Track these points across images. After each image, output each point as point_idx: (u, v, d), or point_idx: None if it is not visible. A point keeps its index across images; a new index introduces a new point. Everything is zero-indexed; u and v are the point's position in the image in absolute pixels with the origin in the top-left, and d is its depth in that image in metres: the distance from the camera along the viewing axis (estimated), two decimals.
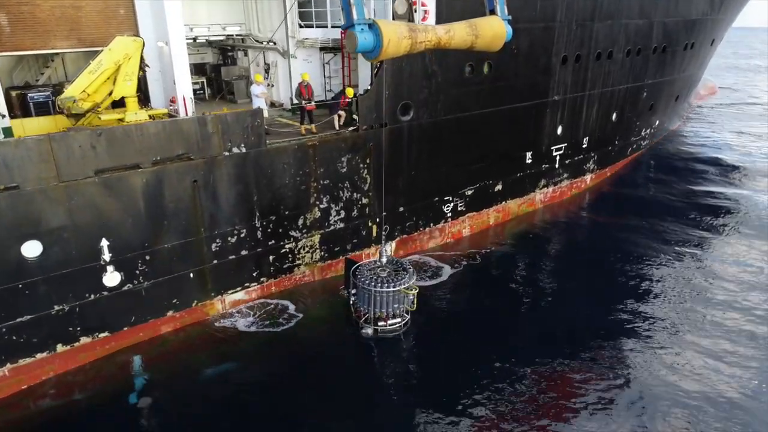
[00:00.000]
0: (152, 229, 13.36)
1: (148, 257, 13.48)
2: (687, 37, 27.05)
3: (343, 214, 16.80)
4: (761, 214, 23.01)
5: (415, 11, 16.20)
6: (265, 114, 17.52)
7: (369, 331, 14.45)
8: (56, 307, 12.52)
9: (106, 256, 12.84)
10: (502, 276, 18.57)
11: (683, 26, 26.18)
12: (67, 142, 11.75)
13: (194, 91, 22.32)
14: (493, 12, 11.90)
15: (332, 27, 19.08)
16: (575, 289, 17.61)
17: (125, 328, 13.73)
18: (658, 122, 29.68)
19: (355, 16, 9.53)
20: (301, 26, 19.20)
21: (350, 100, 16.18)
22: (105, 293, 13.12)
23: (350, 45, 9.75)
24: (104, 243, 12.73)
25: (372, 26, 9.69)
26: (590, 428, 11.72)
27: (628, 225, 22.44)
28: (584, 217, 23.86)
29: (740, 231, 21.60)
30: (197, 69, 24.31)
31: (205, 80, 23.24)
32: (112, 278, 13.09)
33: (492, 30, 11.35)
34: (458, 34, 10.84)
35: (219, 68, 23.48)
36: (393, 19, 16.06)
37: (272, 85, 20.90)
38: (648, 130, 28.98)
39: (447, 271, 18.18)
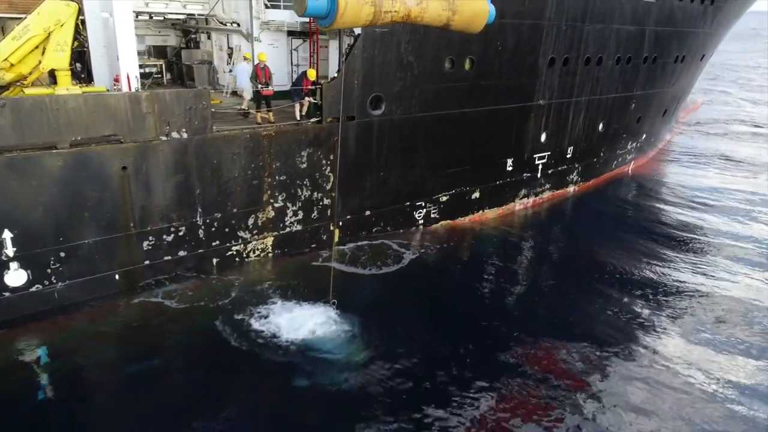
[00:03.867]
0: (69, 222, 11.41)
1: (62, 254, 11.51)
2: (678, 49, 25.99)
3: (301, 215, 15.02)
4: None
5: None
6: (247, 97, 15.78)
7: None
8: None
9: (9, 250, 10.87)
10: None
11: (675, 37, 25.11)
12: None
13: (151, 74, 20.49)
14: None
15: None
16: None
17: None
18: (645, 136, 28.54)
19: None
20: (267, 6, 17.44)
21: (313, 87, 14.44)
22: (6, 294, 11.12)
23: (298, 7, 8.05)
24: (6, 235, 10.77)
25: None
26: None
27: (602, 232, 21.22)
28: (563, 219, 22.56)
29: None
30: (158, 52, 22.40)
31: (164, 63, 21.34)
32: (16, 277, 11.11)
33: (472, 7, 9.76)
34: (432, 6, 9.22)
35: (181, 51, 21.64)
36: None
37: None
38: (634, 144, 27.80)
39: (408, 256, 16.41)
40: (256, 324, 12.39)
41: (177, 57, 21.81)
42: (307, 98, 14.35)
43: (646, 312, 14.79)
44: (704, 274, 17.39)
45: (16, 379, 10.68)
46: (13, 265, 11.01)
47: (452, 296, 15.20)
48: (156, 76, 20.85)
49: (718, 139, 38.48)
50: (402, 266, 15.84)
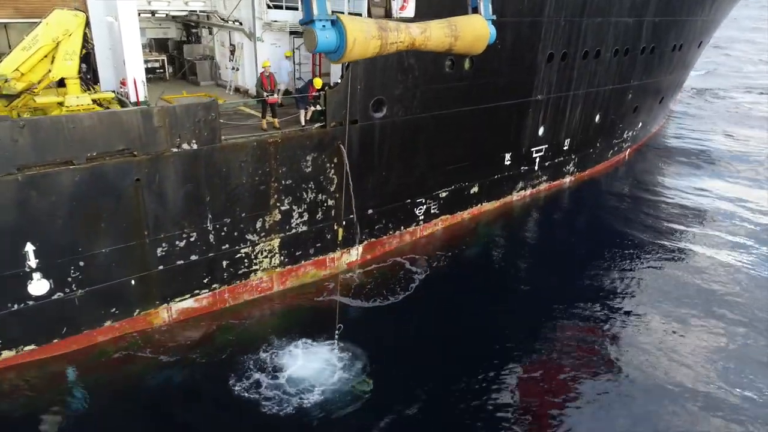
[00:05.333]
0: (87, 232, 11.92)
1: (82, 263, 12.06)
2: (676, 38, 26.17)
3: (306, 216, 15.54)
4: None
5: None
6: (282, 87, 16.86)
7: None
8: None
9: (32, 262, 11.40)
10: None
11: (673, 26, 25.26)
12: None
13: (154, 69, 20.71)
14: (476, 10, 10.65)
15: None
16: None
17: (55, 341, 12.36)
18: (641, 124, 28.92)
19: (315, 11, 8.17)
20: (269, 6, 17.57)
21: (318, 93, 14.77)
22: (31, 303, 11.71)
23: (309, 44, 8.42)
24: (29, 247, 11.28)
25: (335, 23, 8.35)
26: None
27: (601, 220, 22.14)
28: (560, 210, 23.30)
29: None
30: (158, 45, 22.50)
31: (166, 58, 21.48)
32: (39, 286, 11.67)
33: (474, 31, 10.11)
34: (435, 34, 9.58)
35: (182, 45, 21.72)
36: (369, 7, 14.66)
37: (237, 69, 19.27)
38: (630, 133, 28.21)
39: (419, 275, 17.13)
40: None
41: (178, 51, 21.90)
42: (311, 107, 14.69)
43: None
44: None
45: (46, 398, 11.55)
46: (36, 275, 11.56)
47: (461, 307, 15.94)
48: (159, 71, 21.06)
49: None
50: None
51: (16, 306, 11.54)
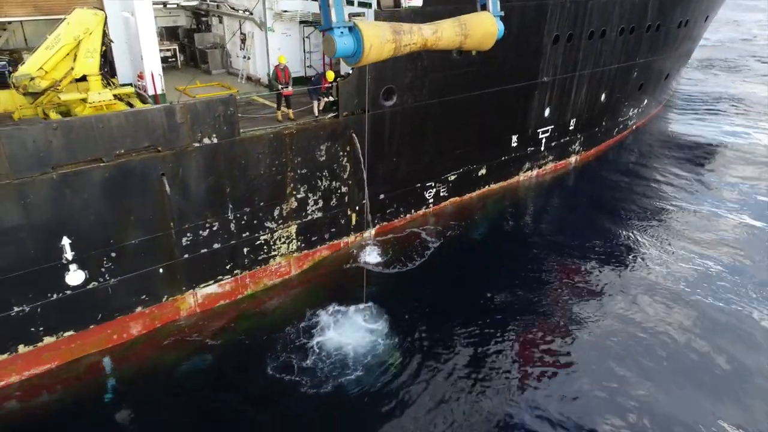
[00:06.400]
0: (117, 226, 12.62)
1: (113, 254, 12.80)
2: (682, 14, 26.16)
3: (321, 203, 16.18)
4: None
5: None
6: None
7: None
8: (16, 309, 11.89)
9: (68, 254, 12.13)
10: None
11: (679, 2, 25.25)
12: (18, 136, 10.80)
13: (165, 58, 21.13)
14: (484, 7, 11.03)
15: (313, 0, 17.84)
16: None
17: (91, 327, 13.19)
18: (646, 101, 29.11)
19: (334, 19, 8.65)
20: None
21: (330, 84, 15.24)
22: (68, 292, 12.49)
23: (328, 50, 8.91)
24: (65, 241, 12.00)
25: (352, 29, 8.83)
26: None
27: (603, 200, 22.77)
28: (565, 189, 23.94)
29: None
30: (169, 33, 22.84)
31: (177, 47, 21.87)
32: (75, 277, 12.44)
33: (483, 29, 10.53)
34: (446, 34, 10.02)
35: (193, 34, 22.07)
36: (379, 5, 15.01)
37: (248, 58, 19.68)
38: (635, 110, 28.44)
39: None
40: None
41: (188, 39, 22.25)
42: (324, 98, 15.18)
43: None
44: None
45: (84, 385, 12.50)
46: (72, 266, 12.30)
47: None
48: (170, 60, 21.47)
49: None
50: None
51: (55, 295, 12.32)
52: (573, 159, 25.18)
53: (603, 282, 16.60)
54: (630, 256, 18.11)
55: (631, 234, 19.53)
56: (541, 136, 22.39)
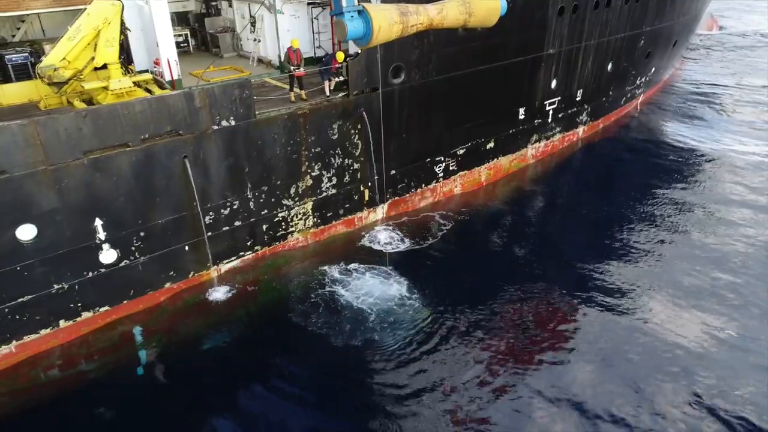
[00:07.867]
0: (145, 207, 13.40)
1: (143, 233, 13.61)
2: None
3: (335, 180, 16.81)
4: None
5: None
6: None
7: None
8: (56, 286, 12.78)
9: (101, 235, 12.96)
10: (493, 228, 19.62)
11: None
12: (52, 125, 11.52)
13: (178, 44, 21.63)
14: None
15: None
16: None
17: (125, 302, 14.08)
18: (654, 69, 29.12)
19: (344, 3, 9.16)
20: None
21: (340, 65, 15.73)
22: (102, 270, 13.36)
23: (340, 33, 9.44)
24: (98, 223, 12.81)
25: (362, 13, 9.34)
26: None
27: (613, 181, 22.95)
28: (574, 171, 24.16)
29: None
30: (180, 19, 23.34)
31: (188, 32, 22.38)
32: (108, 255, 13.28)
33: (486, 6, 10.96)
34: (451, 13, 10.47)
35: (203, 18, 22.55)
36: None
37: (259, 41, 20.15)
38: (643, 78, 28.50)
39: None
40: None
41: (199, 24, 22.73)
42: (334, 78, 15.69)
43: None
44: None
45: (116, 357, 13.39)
46: (105, 246, 13.14)
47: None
48: (182, 45, 22.00)
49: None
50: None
51: (90, 274, 13.19)
52: (580, 130, 25.47)
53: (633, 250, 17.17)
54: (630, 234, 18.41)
55: (635, 209, 19.96)
56: (548, 108, 22.69)
